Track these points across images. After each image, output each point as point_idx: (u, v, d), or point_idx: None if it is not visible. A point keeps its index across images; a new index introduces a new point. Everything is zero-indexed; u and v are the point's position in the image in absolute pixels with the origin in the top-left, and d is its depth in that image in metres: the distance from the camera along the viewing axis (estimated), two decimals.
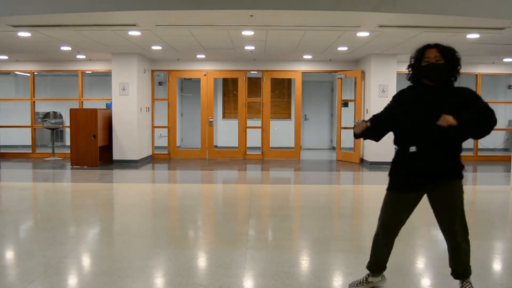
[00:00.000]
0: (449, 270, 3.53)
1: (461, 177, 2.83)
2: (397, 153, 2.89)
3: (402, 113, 2.80)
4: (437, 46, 2.71)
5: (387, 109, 2.92)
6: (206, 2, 5.57)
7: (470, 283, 2.95)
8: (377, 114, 2.93)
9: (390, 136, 2.97)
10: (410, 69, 2.83)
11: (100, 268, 3.54)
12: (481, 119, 2.61)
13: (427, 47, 2.73)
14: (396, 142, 2.88)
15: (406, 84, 2.93)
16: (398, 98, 2.91)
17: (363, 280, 3.05)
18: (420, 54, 2.74)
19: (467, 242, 2.94)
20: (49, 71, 11.83)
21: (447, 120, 2.55)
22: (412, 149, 2.75)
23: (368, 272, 3.08)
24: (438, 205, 2.88)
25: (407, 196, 2.91)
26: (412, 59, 2.80)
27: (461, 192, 2.85)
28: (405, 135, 2.81)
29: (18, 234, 4.72)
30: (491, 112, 2.63)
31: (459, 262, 2.95)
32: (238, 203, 6.47)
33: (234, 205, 6.34)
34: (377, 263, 3.04)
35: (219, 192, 7.64)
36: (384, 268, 3.07)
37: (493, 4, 5.74)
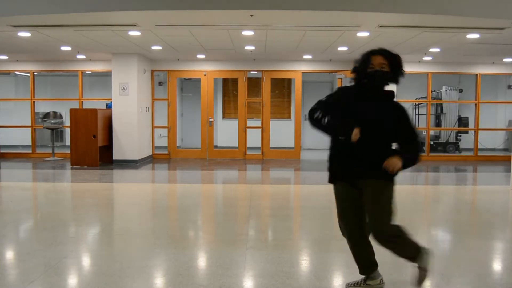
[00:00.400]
0: (449, 270, 3.55)
1: (388, 178, 2.84)
2: (332, 147, 2.93)
3: (349, 112, 2.83)
4: (382, 53, 2.77)
5: (332, 105, 2.90)
6: (206, 2, 5.57)
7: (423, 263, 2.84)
8: (325, 111, 2.89)
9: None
10: (354, 74, 2.88)
11: (100, 268, 3.54)
12: (416, 154, 2.91)
13: (372, 53, 2.78)
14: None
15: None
16: (342, 96, 2.95)
17: (360, 281, 3.02)
18: (366, 60, 2.78)
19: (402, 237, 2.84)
20: (49, 71, 11.83)
21: (394, 165, 2.73)
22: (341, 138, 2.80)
23: (365, 277, 3.03)
24: (366, 201, 2.88)
25: (342, 187, 2.91)
26: (357, 64, 2.83)
27: (387, 192, 2.86)
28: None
29: (18, 234, 4.72)
30: (421, 143, 2.88)
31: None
32: (238, 203, 6.47)
33: (234, 205, 6.34)
34: (359, 264, 3.00)
35: (219, 192, 7.64)
36: (372, 267, 2.98)
37: (493, 4, 5.74)
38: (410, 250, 2.83)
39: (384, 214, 2.82)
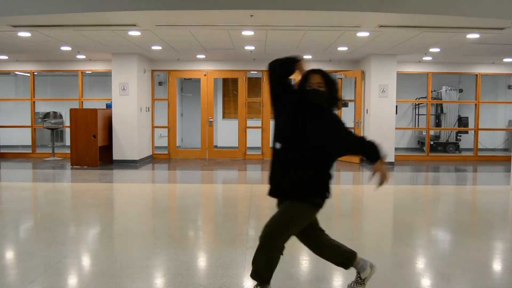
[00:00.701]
0: (449, 270, 3.55)
1: (303, 199, 2.76)
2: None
3: (285, 111, 2.87)
4: (320, 73, 2.82)
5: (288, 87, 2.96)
6: (206, 2, 5.57)
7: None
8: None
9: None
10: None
11: (100, 268, 3.54)
12: (370, 149, 2.89)
13: (311, 72, 2.84)
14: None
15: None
16: (294, 93, 2.93)
17: (357, 279, 3.02)
18: (305, 78, 2.84)
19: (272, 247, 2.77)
20: (49, 71, 11.83)
21: (382, 172, 2.84)
22: (278, 145, 2.80)
23: (356, 271, 3.02)
24: None
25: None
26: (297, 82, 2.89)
27: (294, 212, 2.77)
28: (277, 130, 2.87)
29: (18, 234, 4.72)
30: (362, 140, 2.95)
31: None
32: (238, 203, 6.47)
33: (234, 205, 6.34)
34: (337, 263, 3.02)
35: (219, 192, 7.64)
36: (350, 258, 2.98)
37: (493, 4, 5.74)
38: (262, 269, 2.77)
39: (278, 223, 2.75)
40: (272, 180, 2.86)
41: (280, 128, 2.84)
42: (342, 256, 2.95)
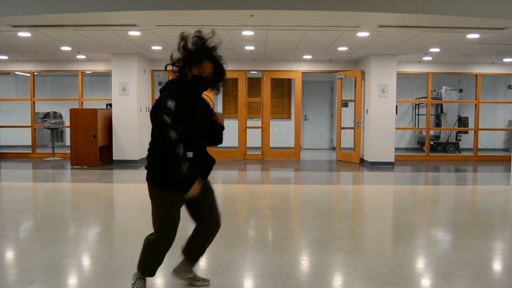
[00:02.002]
0: (449, 270, 3.55)
1: (153, 184, 2.76)
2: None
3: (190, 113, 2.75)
4: (214, 62, 2.85)
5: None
6: (206, 2, 5.58)
7: (139, 281, 2.88)
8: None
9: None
10: (176, 69, 2.88)
11: (100, 268, 3.54)
12: None
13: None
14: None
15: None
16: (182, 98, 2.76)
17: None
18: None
19: (147, 241, 2.88)
20: (49, 71, 11.83)
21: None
22: (189, 154, 2.66)
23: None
24: None
25: None
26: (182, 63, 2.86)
27: (153, 199, 2.79)
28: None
29: (18, 234, 4.72)
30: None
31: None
32: (238, 203, 6.47)
33: (234, 205, 6.33)
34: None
35: (219, 192, 7.64)
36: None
37: (493, 4, 5.74)
38: (141, 261, 2.89)
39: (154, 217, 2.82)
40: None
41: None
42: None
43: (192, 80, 2.80)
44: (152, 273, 2.93)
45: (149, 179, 2.77)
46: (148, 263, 2.89)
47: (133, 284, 2.89)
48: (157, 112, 2.66)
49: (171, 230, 2.83)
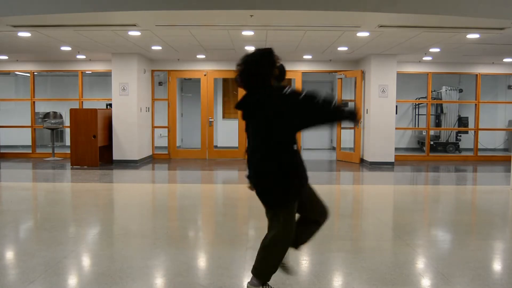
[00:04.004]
0: (449, 270, 3.55)
1: (278, 206, 2.82)
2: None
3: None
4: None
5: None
6: (206, 2, 5.58)
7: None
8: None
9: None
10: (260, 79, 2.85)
11: (100, 268, 3.54)
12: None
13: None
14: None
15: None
16: None
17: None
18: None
19: (270, 249, 2.85)
20: (49, 71, 11.83)
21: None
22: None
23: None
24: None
25: None
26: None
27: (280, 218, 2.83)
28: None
29: (18, 234, 4.72)
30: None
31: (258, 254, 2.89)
32: (238, 203, 6.47)
33: (234, 205, 6.34)
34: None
35: (219, 192, 7.65)
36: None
37: (493, 4, 5.74)
38: (263, 268, 2.85)
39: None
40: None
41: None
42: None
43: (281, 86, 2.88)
44: (269, 279, 2.89)
45: (273, 203, 2.77)
46: (270, 269, 2.86)
47: None
48: (310, 100, 2.69)
49: (292, 235, 2.85)
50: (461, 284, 3.24)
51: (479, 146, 11.86)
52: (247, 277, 3.32)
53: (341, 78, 11.09)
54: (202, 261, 3.85)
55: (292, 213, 2.82)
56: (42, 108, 12.74)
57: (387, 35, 7.41)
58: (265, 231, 2.89)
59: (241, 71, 2.82)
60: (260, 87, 2.81)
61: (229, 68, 11.25)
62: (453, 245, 4.40)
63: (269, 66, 2.80)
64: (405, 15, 5.77)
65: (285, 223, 2.78)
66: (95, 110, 9.56)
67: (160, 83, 12.32)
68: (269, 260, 2.84)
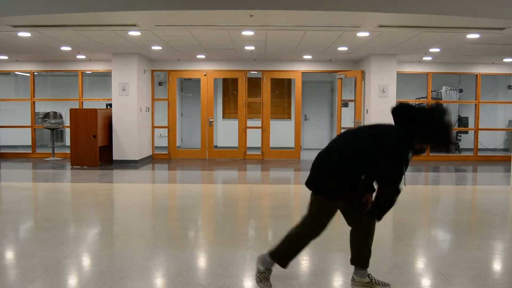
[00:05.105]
0: (449, 270, 3.54)
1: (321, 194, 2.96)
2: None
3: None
4: None
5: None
6: (206, 2, 5.57)
7: (268, 272, 3.03)
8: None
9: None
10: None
11: (100, 268, 3.54)
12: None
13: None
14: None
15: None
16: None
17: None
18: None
19: (292, 235, 3.03)
20: (49, 71, 11.83)
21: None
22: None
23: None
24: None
25: None
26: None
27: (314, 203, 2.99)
28: None
29: (18, 234, 4.72)
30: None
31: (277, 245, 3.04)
32: (238, 203, 6.47)
33: (234, 205, 6.34)
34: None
35: (219, 192, 7.64)
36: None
37: (493, 4, 5.74)
38: (280, 250, 3.01)
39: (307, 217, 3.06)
40: None
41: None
42: None
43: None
44: (285, 264, 3.02)
45: (317, 188, 2.95)
46: (282, 253, 3.00)
47: (261, 273, 3.00)
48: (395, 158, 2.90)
49: (320, 228, 2.98)
50: (461, 284, 3.24)
51: (479, 146, 11.86)
52: (247, 277, 3.32)
53: (341, 78, 11.09)
54: (202, 261, 3.85)
55: (326, 209, 2.96)
56: (42, 108, 12.74)
57: (387, 35, 7.41)
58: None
59: (427, 115, 2.99)
60: (402, 129, 2.92)
61: (229, 68, 11.26)
62: (453, 245, 4.40)
63: (430, 137, 2.93)
64: (405, 15, 5.77)
65: (314, 214, 2.95)
66: (95, 110, 9.56)
67: (160, 83, 12.32)
68: (285, 243, 2.99)
